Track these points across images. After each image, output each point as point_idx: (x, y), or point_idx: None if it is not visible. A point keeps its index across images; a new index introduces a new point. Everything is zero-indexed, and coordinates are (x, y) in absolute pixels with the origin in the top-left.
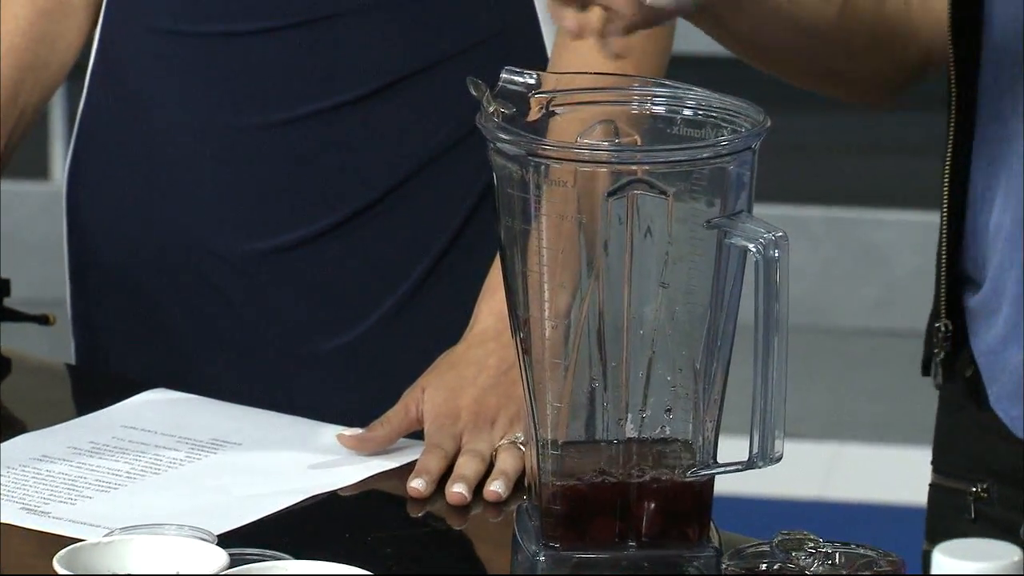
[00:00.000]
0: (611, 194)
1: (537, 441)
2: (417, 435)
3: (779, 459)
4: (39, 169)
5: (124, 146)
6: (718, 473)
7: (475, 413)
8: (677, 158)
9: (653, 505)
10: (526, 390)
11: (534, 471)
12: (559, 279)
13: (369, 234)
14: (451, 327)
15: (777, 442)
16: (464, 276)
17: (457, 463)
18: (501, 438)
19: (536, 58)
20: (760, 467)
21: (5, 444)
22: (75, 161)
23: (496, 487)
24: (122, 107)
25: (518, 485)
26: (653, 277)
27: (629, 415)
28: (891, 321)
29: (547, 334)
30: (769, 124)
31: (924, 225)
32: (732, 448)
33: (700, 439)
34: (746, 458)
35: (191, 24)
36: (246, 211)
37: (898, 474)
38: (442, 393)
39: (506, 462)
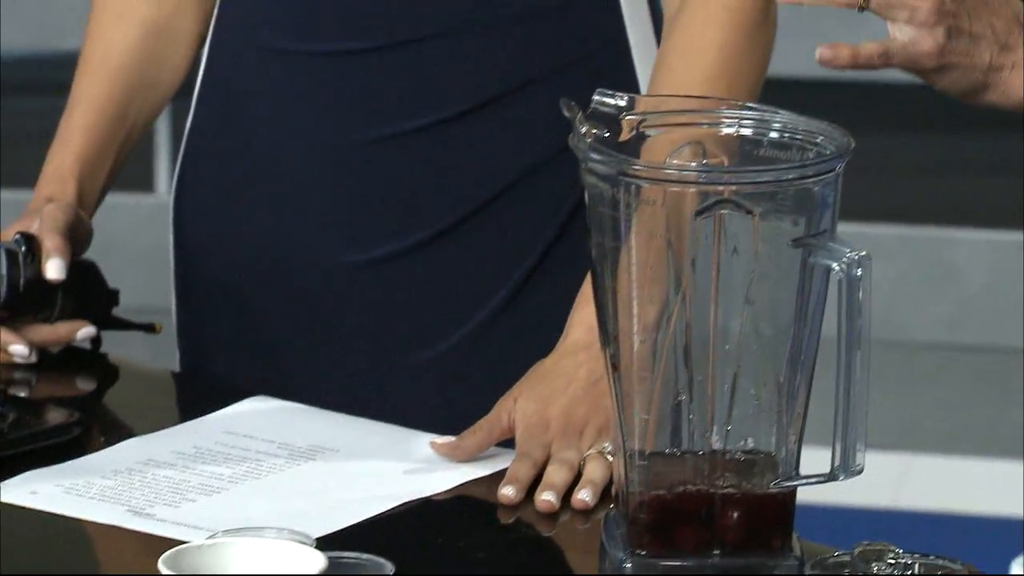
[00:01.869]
0: (699, 213)
1: (625, 451)
2: (508, 443)
3: (860, 471)
4: (145, 182)
5: (228, 160)
6: (801, 485)
7: (564, 423)
8: (763, 179)
9: (737, 515)
10: (614, 402)
11: (621, 481)
12: (648, 295)
13: (463, 247)
14: (543, 338)
15: (859, 455)
16: (556, 289)
17: (546, 471)
18: (589, 447)
19: (626, 80)
20: (842, 479)
21: (112, 449)
22: (182, 174)
23: (584, 495)
24: (227, 123)
25: (605, 493)
26: (739, 294)
27: (714, 427)
28: (962, 337)
29: (635, 348)
30: (853, 146)
31: (995, 243)
32: (814, 458)
33: (783, 451)
34: (828, 470)
35: (296, 43)
36: (344, 224)
37: (968, 485)
38: (533, 403)
39: (594, 471)
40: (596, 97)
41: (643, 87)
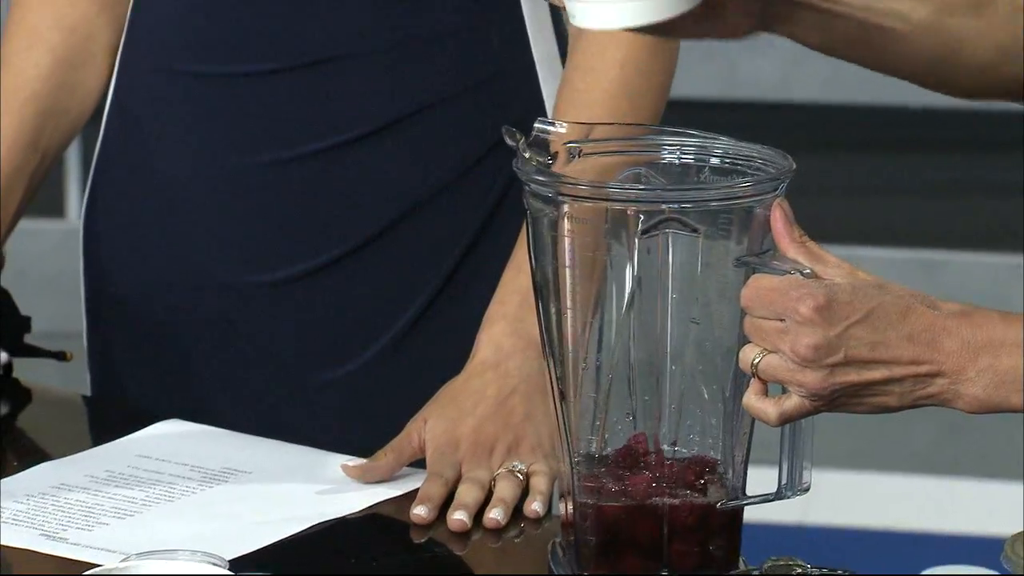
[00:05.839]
0: (644, 232)
1: (573, 476)
2: (419, 463)
3: (807, 489)
4: (55, 207)
5: (137, 183)
6: (747, 504)
7: (474, 442)
8: (705, 197)
9: (683, 532)
10: (561, 429)
11: (567, 504)
12: (593, 317)
13: (370, 268)
14: (452, 358)
15: (805, 473)
16: (464, 308)
17: (458, 491)
18: (499, 466)
19: (532, 100)
20: (789, 497)
21: (25, 473)
22: (92, 198)
23: (495, 514)
24: (135, 146)
25: (516, 511)
26: (684, 314)
27: (662, 447)
28: None
29: (581, 371)
30: (794, 168)
31: (929, 263)
32: (757, 477)
33: (730, 471)
34: (775, 489)
35: (202, 65)
36: (251, 244)
37: (875, 500)
38: (443, 423)
39: (504, 490)
40: (537, 125)
41: (549, 107)
